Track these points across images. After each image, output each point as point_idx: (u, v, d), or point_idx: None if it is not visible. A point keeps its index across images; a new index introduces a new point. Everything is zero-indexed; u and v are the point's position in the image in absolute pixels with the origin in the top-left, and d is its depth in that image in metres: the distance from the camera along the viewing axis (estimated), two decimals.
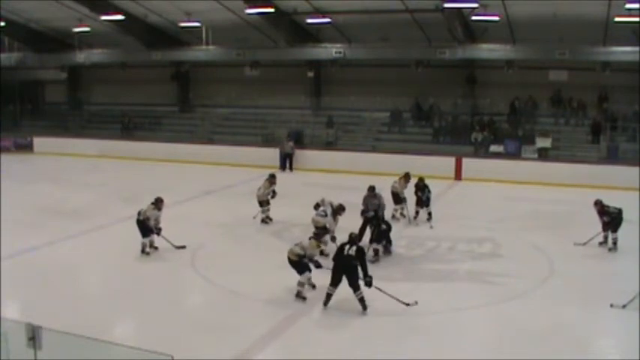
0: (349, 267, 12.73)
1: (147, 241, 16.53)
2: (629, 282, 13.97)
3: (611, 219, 17.37)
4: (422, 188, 20.38)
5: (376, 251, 16.18)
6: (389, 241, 16.65)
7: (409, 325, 12.18)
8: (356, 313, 12.59)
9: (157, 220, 16.72)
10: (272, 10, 31.06)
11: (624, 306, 12.67)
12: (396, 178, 20.68)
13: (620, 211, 17.40)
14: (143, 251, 16.47)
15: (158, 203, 16.74)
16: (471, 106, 34.17)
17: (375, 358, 10.87)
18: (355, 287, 12.68)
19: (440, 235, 18.22)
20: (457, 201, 24.38)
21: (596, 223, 17.66)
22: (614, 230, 17.43)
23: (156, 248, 16.78)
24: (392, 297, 12.64)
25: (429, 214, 20.38)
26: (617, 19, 27.23)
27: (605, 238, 17.64)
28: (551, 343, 11.29)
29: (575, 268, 16.03)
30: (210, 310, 13.23)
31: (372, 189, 18.24)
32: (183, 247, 16.88)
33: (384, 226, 16.53)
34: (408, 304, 12.65)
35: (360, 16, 31.31)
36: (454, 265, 16.21)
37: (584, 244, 17.54)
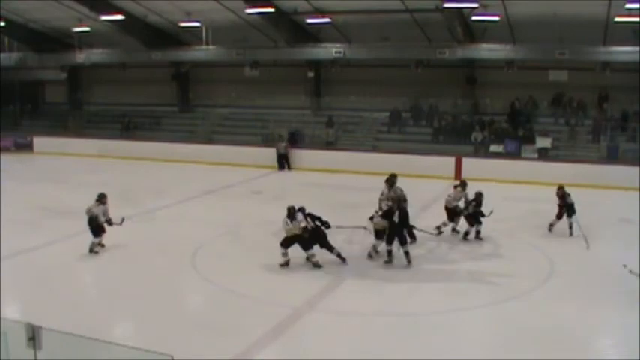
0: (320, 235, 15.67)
1: (97, 240, 16.68)
2: (630, 282, 14.01)
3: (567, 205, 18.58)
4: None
5: (390, 252, 15.92)
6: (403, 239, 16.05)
7: (409, 324, 12.20)
8: (355, 313, 12.61)
9: (106, 215, 16.83)
10: (272, 10, 31.12)
11: None
12: (451, 191, 19.16)
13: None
14: (91, 250, 16.58)
15: (102, 199, 16.87)
16: (471, 106, 34.22)
17: (375, 358, 10.87)
18: (329, 247, 15.76)
19: (440, 236, 18.20)
20: None
21: (594, 222, 17.74)
22: (570, 215, 18.62)
23: (102, 246, 16.93)
24: None
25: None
26: (617, 19, 27.30)
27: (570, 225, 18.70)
28: (552, 343, 11.28)
29: (576, 267, 16.06)
30: (210, 310, 13.24)
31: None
32: (122, 221, 17.14)
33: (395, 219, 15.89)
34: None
35: (360, 16, 31.31)
36: (454, 265, 16.21)
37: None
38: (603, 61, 31.09)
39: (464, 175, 28.70)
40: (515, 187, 26.38)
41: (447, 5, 27.60)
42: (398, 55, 33.26)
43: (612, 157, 29.63)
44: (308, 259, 15.72)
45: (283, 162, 32.45)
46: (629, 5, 25.61)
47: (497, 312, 13.08)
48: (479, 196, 18.17)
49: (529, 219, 20.89)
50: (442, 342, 11.43)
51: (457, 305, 13.24)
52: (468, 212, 18.22)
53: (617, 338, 12.00)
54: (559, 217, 19.12)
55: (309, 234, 15.54)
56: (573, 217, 18.59)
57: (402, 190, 17.83)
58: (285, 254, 15.55)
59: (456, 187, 19.01)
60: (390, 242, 15.84)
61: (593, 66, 31.45)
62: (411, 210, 16.82)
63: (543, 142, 30.50)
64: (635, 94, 30.74)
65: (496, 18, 28.96)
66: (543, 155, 30.03)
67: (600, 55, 30.81)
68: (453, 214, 18.64)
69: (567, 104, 32.82)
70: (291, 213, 15.58)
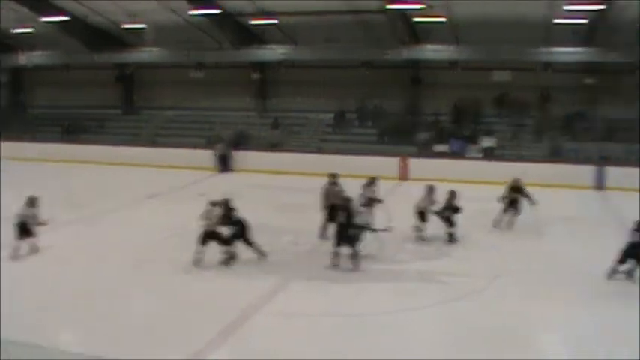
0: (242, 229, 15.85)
1: (20, 244, 16.36)
2: (580, 278, 14.22)
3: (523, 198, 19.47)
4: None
5: (336, 254, 15.59)
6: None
7: (357, 325, 12.13)
8: (302, 314, 12.54)
9: (36, 218, 16.57)
10: (216, 11, 30.88)
11: None
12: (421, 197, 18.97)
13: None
14: (13, 255, 16.18)
15: (32, 202, 16.63)
16: (416, 107, 34.38)
17: (323, 358, 10.79)
18: (249, 242, 15.94)
19: (388, 236, 18.11)
20: (404, 201, 24.14)
21: (540, 220, 17.95)
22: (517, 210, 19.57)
23: (36, 250, 16.69)
24: None
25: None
26: (557, 20, 27.70)
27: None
28: (502, 342, 11.36)
29: (526, 265, 16.22)
30: (155, 314, 13.00)
31: (332, 176, 18.51)
32: (47, 221, 16.75)
33: (342, 220, 15.60)
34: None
35: (305, 17, 31.22)
36: (403, 265, 16.21)
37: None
38: (545, 62, 31.67)
39: (410, 175, 28.92)
40: (461, 187, 26.31)
41: (391, 7, 27.68)
42: (343, 57, 33.31)
43: (556, 155, 30.07)
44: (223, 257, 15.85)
45: (222, 164, 32.22)
46: (568, 7, 26.05)
47: (448, 311, 13.09)
48: (453, 195, 18.37)
49: (477, 218, 20.99)
50: (391, 342, 11.39)
51: (406, 305, 13.22)
52: (447, 214, 18.24)
53: (568, 335, 12.17)
54: (506, 210, 19.65)
55: (227, 223, 15.71)
56: (528, 208, 19.25)
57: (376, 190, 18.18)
58: (199, 252, 15.56)
59: (426, 194, 18.67)
60: (336, 244, 15.66)
61: (535, 66, 31.98)
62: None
63: (488, 142, 30.80)
64: (577, 94, 31.36)
65: (440, 19, 29.16)
66: (488, 154, 30.30)
67: (542, 56, 31.34)
68: (425, 218, 18.49)
69: (511, 104, 33.23)
70: (207, 209, 15.76)
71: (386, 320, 12.43)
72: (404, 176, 29.48)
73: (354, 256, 15.50)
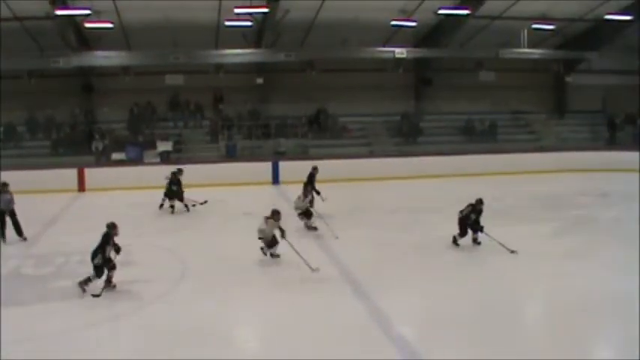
0: None
1: None
2: (263, 270, 14.74)
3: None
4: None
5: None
6: None
7: (49, 347, 11.57)
8: None
9: None
10: None
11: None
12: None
13: None
14: None
15: None
16: (90, 115, 33.75)
17: None
18: None
19: (68, 250, 17.56)
20: (83, 213, 23.78)
21: (223, 217, 18.49)
22: None
23: None
24: None
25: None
26: (227, 22, 28.58)
27: None
28: (196, 342, 11.44)
29: (207, 263, 16.63)
30: None
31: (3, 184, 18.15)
32: None
33: None
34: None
35: None
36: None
37: None
38: (217, 64, 32.45)
39: (88, 185, 28.31)
40: (140, 193, 26.36)
41: (58, 13, 26.85)
42: (9, 67, 31.42)
43: (231, 154, 31.06)
44: None
45: None
46: (237, 10, 26.92)
47: (137, 319, 12.91)
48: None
49: (156, 222, 21.20)
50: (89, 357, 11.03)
51: (94, 320, 12.83)
52: None
53: (262, 331, 12.55)
54: None
55: None
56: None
57: None
58: None
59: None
60: None
61: (207, 68, 32.69)
62: (35, 227, 16.14)
63: (164, 146, 30.99)
64: (249, 93, 32.65)
65: (110, 25, 28.76)
66: (165, 158, 30.41)
67: (214, 58, 32.20)
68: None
69: (185, 107, 33.72)
70: None
71: (73, 337, 11.97)
72: (83, 187, 28.76)
73: None
